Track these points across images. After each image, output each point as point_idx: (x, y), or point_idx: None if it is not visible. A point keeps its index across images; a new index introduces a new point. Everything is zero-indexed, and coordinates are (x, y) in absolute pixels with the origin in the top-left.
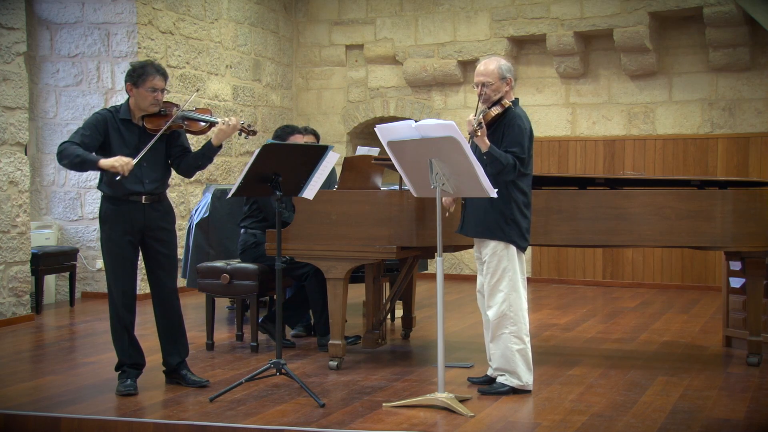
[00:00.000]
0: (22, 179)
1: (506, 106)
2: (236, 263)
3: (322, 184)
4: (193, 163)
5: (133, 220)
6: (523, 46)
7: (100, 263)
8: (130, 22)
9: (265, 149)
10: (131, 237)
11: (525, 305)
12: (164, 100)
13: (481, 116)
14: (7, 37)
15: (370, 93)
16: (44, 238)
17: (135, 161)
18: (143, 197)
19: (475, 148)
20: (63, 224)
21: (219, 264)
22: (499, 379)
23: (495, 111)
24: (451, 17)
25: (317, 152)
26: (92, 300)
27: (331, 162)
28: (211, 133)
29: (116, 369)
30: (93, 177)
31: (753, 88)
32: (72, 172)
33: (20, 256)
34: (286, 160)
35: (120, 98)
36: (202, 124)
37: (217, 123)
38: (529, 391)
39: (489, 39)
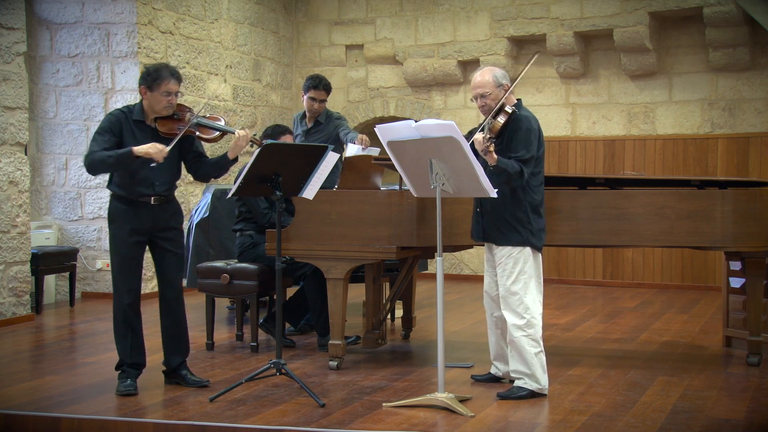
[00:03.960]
0: (22, 179)
1: (510, 112)
2: (236, 263)
3: (323, 183)
4: (210, 172)
5: (142, 220)
6: (523, 46)
7: (100, 263)
8: (130, 22)
9: (266, 149)
10: (139, 237)
11: (540, 308)
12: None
13: (488, 130)
14: (7, 37)
15: (370, 93)
16: (44, 238)
17: (168, 149)
18: (152, 198)
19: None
20: (63, 224)
21: (219, 264)
22: (517, 383)
23: (501, 120)
24: (451, 17)
25: (317, 152)
26: (92, 300)
27: (330, 162)
28: (225, 142)
29: (116, 368)
30: (94, 176)
31: (753, 88)
32: (72, 172)
33: (20, 256)
34: (286, 160)
35: (119, 98)
36: (215, 132)
37: (230, 133)
38: (545, 395)
39: (489, 39)
